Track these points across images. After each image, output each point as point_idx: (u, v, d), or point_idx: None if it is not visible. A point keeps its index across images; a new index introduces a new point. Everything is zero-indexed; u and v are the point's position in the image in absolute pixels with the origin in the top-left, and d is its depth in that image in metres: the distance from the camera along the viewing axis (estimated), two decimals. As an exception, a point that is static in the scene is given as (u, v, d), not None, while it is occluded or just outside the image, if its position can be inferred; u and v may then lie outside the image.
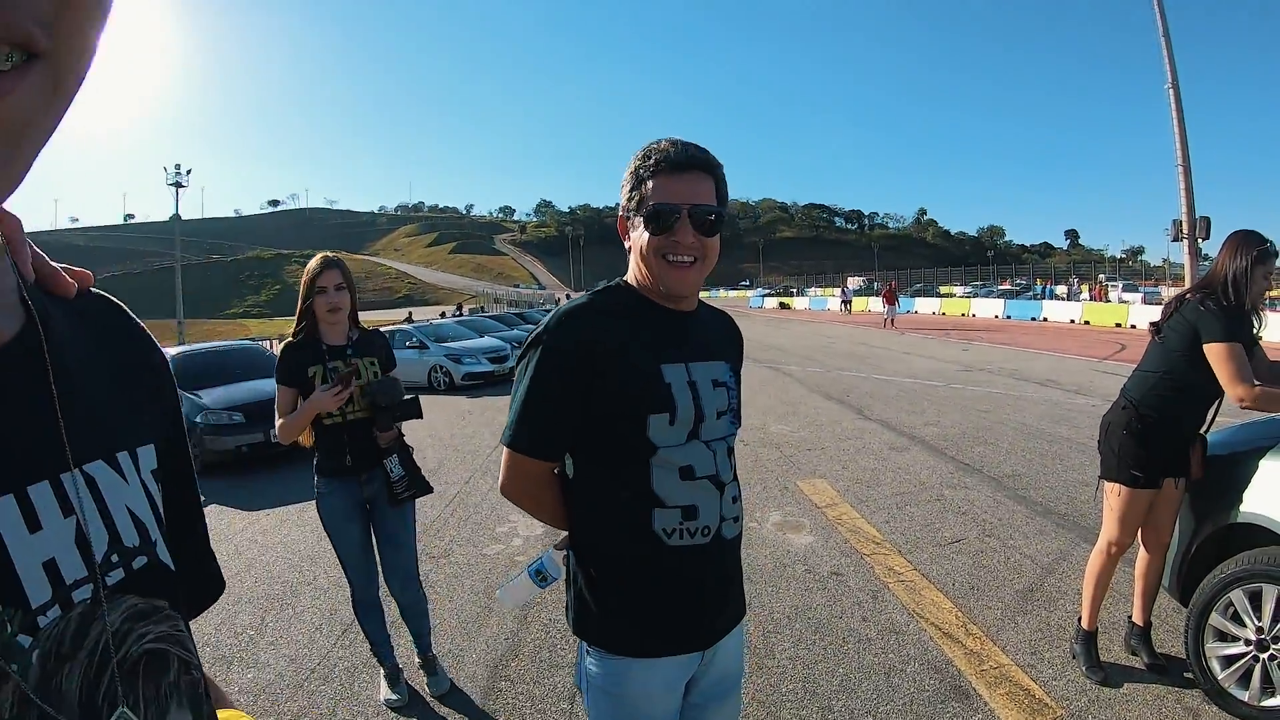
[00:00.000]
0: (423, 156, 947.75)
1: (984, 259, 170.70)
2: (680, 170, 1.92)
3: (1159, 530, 4.27)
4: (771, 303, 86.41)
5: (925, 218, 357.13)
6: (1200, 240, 27.79)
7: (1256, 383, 3.73)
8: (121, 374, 0.85)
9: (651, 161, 1.94)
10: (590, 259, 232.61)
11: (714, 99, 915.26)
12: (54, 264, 0.83)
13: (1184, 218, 27.87)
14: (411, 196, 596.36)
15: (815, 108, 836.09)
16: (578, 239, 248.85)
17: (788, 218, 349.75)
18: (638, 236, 1.97)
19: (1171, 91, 27.96)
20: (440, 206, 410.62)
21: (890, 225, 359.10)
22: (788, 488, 8.24)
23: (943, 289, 79.34)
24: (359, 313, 4.39)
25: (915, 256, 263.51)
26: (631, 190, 1.98)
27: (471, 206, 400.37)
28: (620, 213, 2.06)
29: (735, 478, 2.09)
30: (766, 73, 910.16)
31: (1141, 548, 4.38)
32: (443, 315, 43.80)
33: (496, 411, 15.21)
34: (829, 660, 4.50)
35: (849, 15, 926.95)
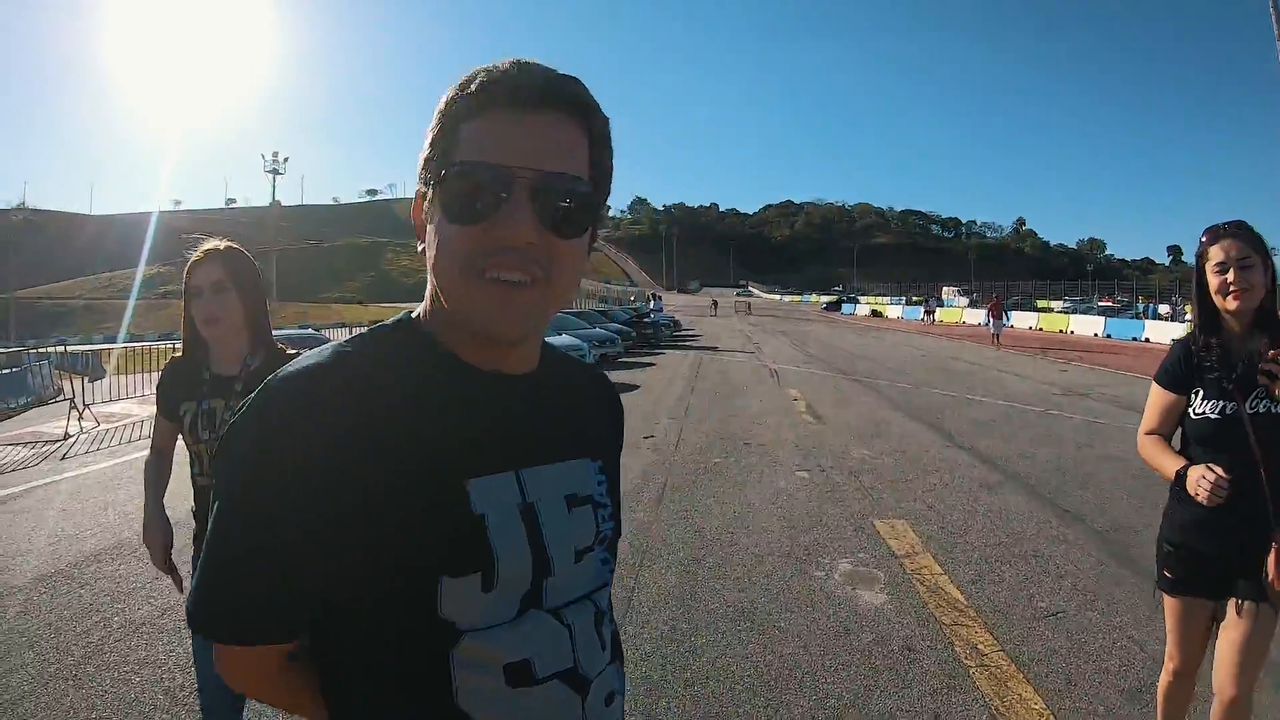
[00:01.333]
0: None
1: (1083, 273, 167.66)
2: (522, 107, 1.11)
3: (1218, 673, 2.96)
4: (863, 310, 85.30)
5: (1024, 228, 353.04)
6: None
7: (1151, 433, 3.23)
8: None
9: (473, 90, 1.12)
10: (684, 257, 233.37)
11: (815, 96, 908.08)
12: None
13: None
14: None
15: (914, 109, 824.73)
16: (671, 237, 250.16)
17: (884, 223, 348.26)
18: (434, 232, 1.15)
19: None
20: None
21: (987, 235, 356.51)
22: (863, 528, 7.39)
23: (1040, 303, 77.08)
24: (269, 325, 3.14)
25: (1012, 268, 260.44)
26: (433, 143, 1.16)
27: None
28: (418, 186, 1.22)
29: (614, 657, 1.32)
30: (865, 70, 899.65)
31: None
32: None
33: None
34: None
35: (950, 12, 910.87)
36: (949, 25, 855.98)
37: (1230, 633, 2.94)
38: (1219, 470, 2.80)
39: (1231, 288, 2.87)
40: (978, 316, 57.91)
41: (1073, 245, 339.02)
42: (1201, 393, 2.98)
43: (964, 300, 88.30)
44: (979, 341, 37.48)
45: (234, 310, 2.96)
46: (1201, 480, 2.82)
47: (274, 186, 62.56)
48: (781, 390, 18.89)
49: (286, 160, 60.68)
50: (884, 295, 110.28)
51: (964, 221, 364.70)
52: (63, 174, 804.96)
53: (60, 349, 27.45)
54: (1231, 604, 2.94)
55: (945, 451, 10.91)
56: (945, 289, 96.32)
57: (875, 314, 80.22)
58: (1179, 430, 3.14)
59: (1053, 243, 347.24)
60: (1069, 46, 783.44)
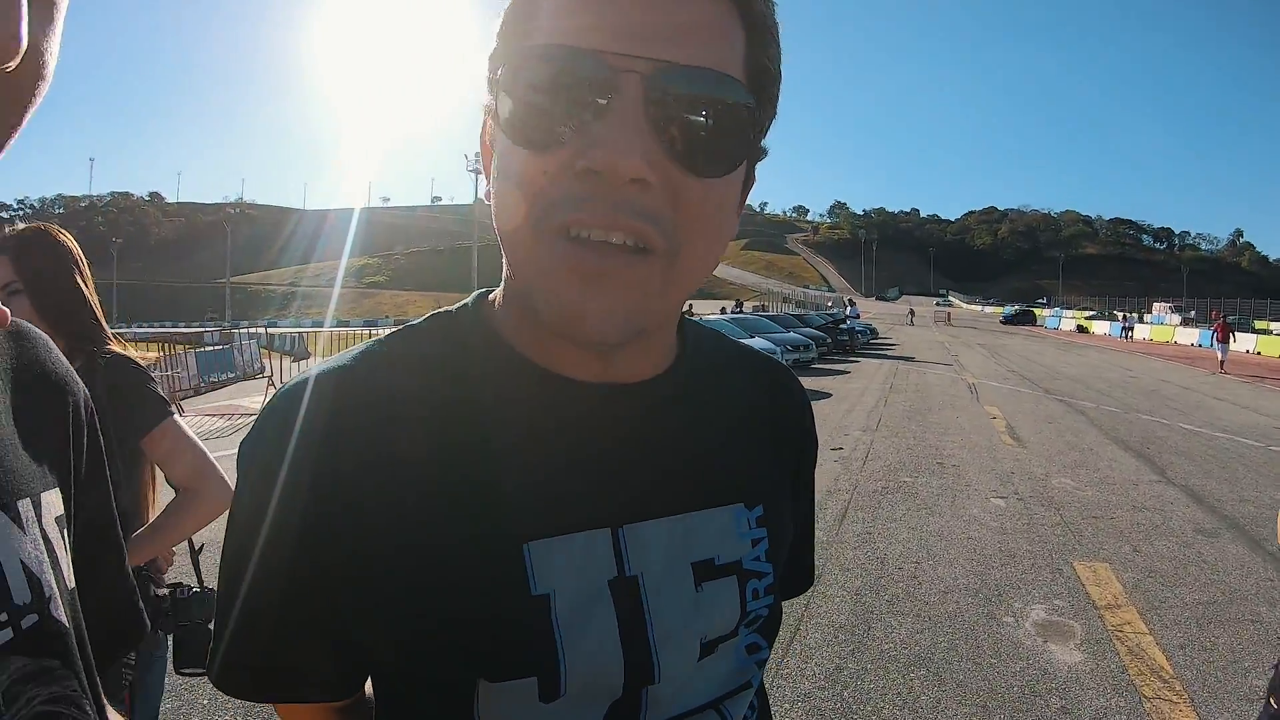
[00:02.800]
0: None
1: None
2: None
3: None
4: (1068, 324, 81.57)
5: (1241, 240, 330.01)
6: None
7: None
8: (30, 416, 0.81)
9: None
10: (882, 264, 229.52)
11: (1021, 98, 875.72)
12: None
13: None
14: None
15: (1125, 112, 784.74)
16: (870, 243, 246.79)
17: (1091, 232, 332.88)
18: (497, 163, 0.78)
19: None
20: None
21: (1202, 247, 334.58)
22: (1061, 569, 6.82)
23: (1258, 324, 71.58)
24: (91, 321, 2.42)
25: (1228, 284, 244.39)
26: (503, 27, 0.77)
27: (765, 204, 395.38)
28: (485, 101, 0.80)
29: None
30: (1076, 72, 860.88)
31: None
32: (722, 311, 43.48)
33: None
34: None
35: (1167, 12, 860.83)
36: (1165, 26, 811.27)
37: None
38: None
39: None
40: (1190, 336, 54.35)
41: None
42: None
43: (1176, 318, 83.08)
44: (1192, 363, 35.00)
45: (28, 316, 2.21)
46: None
47: (476, 185, 64.53)
48: (979, 407, 18.07)
49: (490, 161, 62.87)
50: (1090, 309, 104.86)
51: (1177, 233, 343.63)
52: (279, 172, 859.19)
53: (267, 330, 29.15)
54: None
55: (1156, 488, 10.02)
56: (1156, 305, 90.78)
57: (1080, 329, 76.51)
58: None
59: (1273, 257, 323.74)
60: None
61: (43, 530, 0.76)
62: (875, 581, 6.32)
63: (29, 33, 0.50)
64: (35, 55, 0.54)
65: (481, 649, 0.77)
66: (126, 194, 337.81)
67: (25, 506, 0.75)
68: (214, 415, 14.54)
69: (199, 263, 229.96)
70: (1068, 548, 7.44)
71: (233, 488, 0.85)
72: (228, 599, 0.82)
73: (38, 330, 0.89)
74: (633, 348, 0.81)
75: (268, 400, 0.85)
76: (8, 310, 0.72)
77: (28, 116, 0.58)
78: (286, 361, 21.07)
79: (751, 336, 23.41)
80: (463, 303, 0.93)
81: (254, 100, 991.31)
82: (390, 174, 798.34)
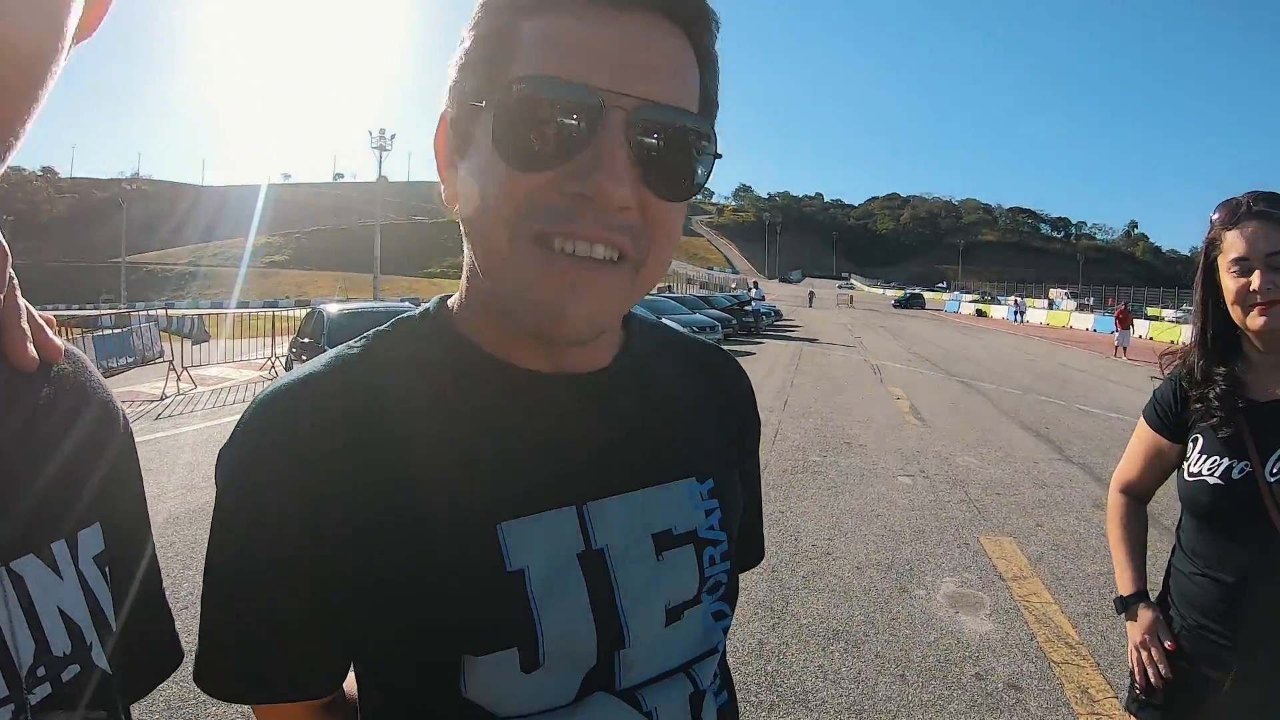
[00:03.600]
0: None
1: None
2: (614, 1, 0.79)
3: None
4: (969, 309, 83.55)
5: (1135, 231, 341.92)
6: None
7: (1127, 488, 2.37)
8: (69, 451, 0.77)
9: None
10: (786, 247, 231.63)
11: (925, 88, 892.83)
12: (24, 327, 0.76)
13: None
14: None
15: (1026, 104, 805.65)
16: (775, 226, 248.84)
17: (991, 220, 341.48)
18: (473, 175, 0.83)
19: None
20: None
21: (1098, 236, 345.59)
22: (968, 544, 6.99)
23: (1151, 311, 74.15)
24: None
25: (1121, 272, 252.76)
26: (476, 43, 0.84)
27: None
28: (442, 111, 0.89)
29: None
30: (978, 63, 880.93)
31: None
32: (628, 294, 43.47)
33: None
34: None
35: (1067, 4, 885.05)
36: (1065, 18, 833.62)
37: None
38: (1160, 649, 2.07)
39: (1258, 297, 1.87)
40: (1086, 321, 56.19)
41: (1186, 252, 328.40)
42: (1200, 443, 2.01)
43: (1072, 304, 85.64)
44: (1088, 347, 36.13)
45: None
46: (1139, 652, 2.13)
47: (380, 162, 63.63)
48: (883, 388, 18.44)
49: (393, 137, 61.67)
50: (989, 294, 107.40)
51: (1074, 222, 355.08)
52: (177, 148, 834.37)
53: (166, 312, 28.29)
54: None
55: (1056, 465, 10.35)
56: (1053, 291, 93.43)
57: (979, 313, 78.50)
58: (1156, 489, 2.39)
59: (1165, 248, 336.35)
60: (1188, 42, 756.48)
61: (79, 571, 0.74)
62: (790, 559, 6.39)
63: None
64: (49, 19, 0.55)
65: (465, 624, 0.83)
66: (18, 169, 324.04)
67: (61, 549, 0.72)
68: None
69: (93, 241, 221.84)
70: (974, 523, 7.64)
71: None
72: (218, 605, 0.88)
73: (79, 352, 0.84)
74: (587, 347, 0.92)
75: (249, 410, 0.88)
76: (61, 344, 0.79)
77: (43, 91, 0.58)
78: (186, 345, 20.45)
79: (658, 319, 23.45)
80: (424, 307, 1.00)
81: (152, 71, 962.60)
82: (292, 150, 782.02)
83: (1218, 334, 2.05)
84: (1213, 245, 2.00)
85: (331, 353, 0.92)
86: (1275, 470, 1.86)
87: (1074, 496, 8.75)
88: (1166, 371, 2.22)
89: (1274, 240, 1.87)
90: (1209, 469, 1.96)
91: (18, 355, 0.73)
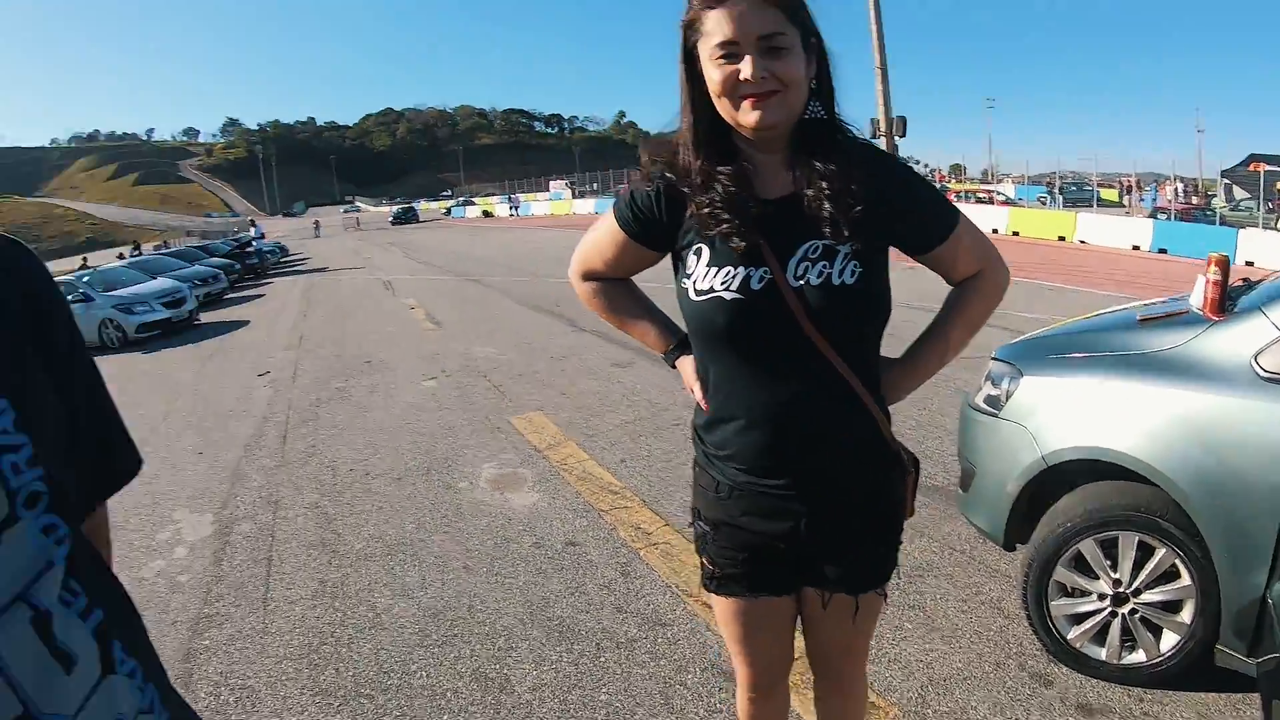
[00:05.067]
0: (93, 75, 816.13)
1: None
2: None
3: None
4: (474, 212, 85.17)
5: (625, 120, 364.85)
6: (898, 138, 28.78)
7: (593, 277, 2.16)
8: None
9: None
10: (285, 179, 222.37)
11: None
12: None
13: (880, 116, 28.92)
14: (86, 124, 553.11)
15: (509, 7, 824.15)
16: (269, 159, 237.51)
17: (487, 124, 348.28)
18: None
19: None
20: (119, 134, 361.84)
21: (590, 129, 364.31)
22: (500, 428, 7.10)
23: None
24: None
25: (616, 158, 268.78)
26: None
27: (152, 131, 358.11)
28: None
29: (115, 666, 0.89)
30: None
31: None
32: (120, 258, 39.31)
33: (177, 367, 12.98)
34: (586, 683, 3.40)
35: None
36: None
37: (822, 631, 2.01)
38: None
39: (749, 88, 1.59)
40: (587, 206, 59.53)
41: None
42: (706, 254, 1.72)
43: (569, 192, 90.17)
44: (585, 229, 38.21)
45: None
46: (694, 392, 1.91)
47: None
48: (397, 301, 18.27)
49: None
50: (494, 195, 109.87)
51: (566, 117, 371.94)
52: None
53: None
54: (814, 596, 1.92)
55: (569, 337, 10.86)
56: (553, 183, 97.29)
57: (486, 214, 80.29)
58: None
59: (654, 132, 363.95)
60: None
61: None
62: (332, 489, 6.07)
63: None
64: None
65: None
66: None
67: None
68: None
69: None
70: (502, 408, 7.79)
71: None
72: None
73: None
74: None
75: None
76: None
77: None
78: None
79: (153, 278, 21.41)
80: None
81: None
82: None
83: (705, 132, 1.72)
84: (690, 28, 1.66)
85: None
86: (800, 272, 1.66)
87: (591, 362, 9.22)
88: (645, 173, 1.84)
89: (768, 20, 1.57)
90: (722, 282, 1.68)
91: None
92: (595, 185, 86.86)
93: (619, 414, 6.97)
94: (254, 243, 42.08)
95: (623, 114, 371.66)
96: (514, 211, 67.21)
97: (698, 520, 1.92)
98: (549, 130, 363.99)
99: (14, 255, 0.96)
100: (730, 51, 1.57)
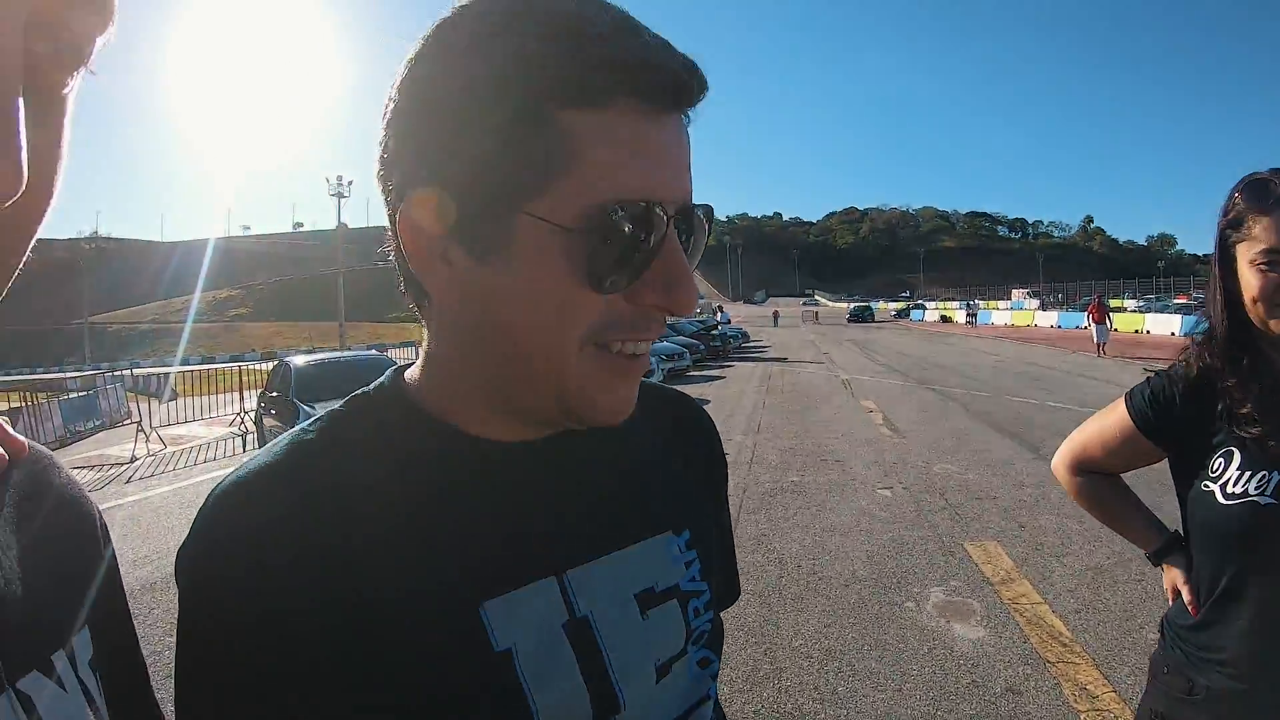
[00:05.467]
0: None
1: (1154, 271, 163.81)
2: (662, 102, 0.75)
3: None
4: (932, 315, 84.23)
5: (1091, 225, 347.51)
6: None
7: (1089, 468, 2.04)
8: (53, 553, 0.73)
9: (577, 53, 0.71)
10: (748, 268, 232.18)
11: (877, 100, 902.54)
12: None
13: None
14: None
15: (977, 110, 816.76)
16: (736, 248, 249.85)
17: (949, 226, 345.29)
18: (523, 287, 0.76)
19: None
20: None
21: (1055, 234, 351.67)
22: (953, 552, 6.99)
23: (1113, 302, 75.30)
24: None
25: (1081, 267, 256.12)
26: (485, 132, 0.72)
27: None
28: (418, 190, 0.76)
29: None
30: (926, 73, 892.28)
31: None
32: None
33: None
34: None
35: (1012, 13, 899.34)
36: (1010, 26, 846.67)
37: None
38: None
39: None
40: (1049, 319, 56.77)
41: (1142, 242, 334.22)
42: (1237, 458, 1.62)
43: (1034, 303, 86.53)
44: (1054, 345, 36.43)
45: None
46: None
47: (339, 209, 63.34)
48: (855, 401, 18.44)
49: (351, 184, 61.34)
50: (952, 300, 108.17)
51: (1030, 222, 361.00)
52: (135, 203, 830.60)
53: (132, 372, 27.92)
54: None
55: (1033, 465, 10.39)
56: (1015, 291, 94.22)
57: (944, 319, 79.10)
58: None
59: (1122, 240, 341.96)
60: (1131, 42, 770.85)
61: (79, 680, 0.70)
62: (777, 581, 6.35)
63: (33, 157, 0.48)
64: (40, 178, 0.52)
65: (456, 711, 0.78)
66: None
67: (60, 660, 0.68)
68: (82, 468, 13.82)
69: (56, 303, 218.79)
70: (956, 530, 7.64)
71: None
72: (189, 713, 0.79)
73: (43, 449, 0.80)
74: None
75: (204, 507, 0.81)
76: (25, 440, 0.75)
77: (33, 239, 0.57)
78: (154, 404, 20.19)
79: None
80: (378, 382, 0.93)
81: (109, 126, 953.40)
82: (250, 201, 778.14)
83: (1234, 332, 1.69)
84: (1232, 229, 1.64)
85: (286, 438, 0.86)
86: None
87: (1053, 495, 8.76)
88: (1167, 369, 1.84)
89: None
90: (1257, 487, 1.56)
91: None
92: (1060, 295, 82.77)
93: (1078, 558, 6.63)
94: (719, 326, 44.23)
95: (1089, 219, 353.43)
96: (971, 320, 65.68)
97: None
98: (1012, 235, 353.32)
99: (701, 416, 1.18)
100: (1276, 260, 1.55)
